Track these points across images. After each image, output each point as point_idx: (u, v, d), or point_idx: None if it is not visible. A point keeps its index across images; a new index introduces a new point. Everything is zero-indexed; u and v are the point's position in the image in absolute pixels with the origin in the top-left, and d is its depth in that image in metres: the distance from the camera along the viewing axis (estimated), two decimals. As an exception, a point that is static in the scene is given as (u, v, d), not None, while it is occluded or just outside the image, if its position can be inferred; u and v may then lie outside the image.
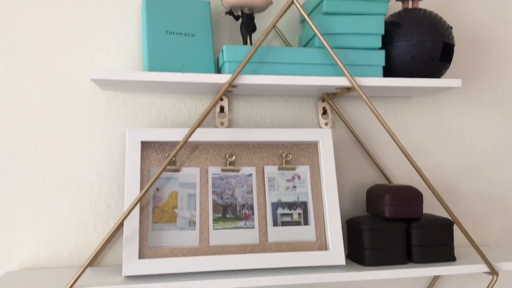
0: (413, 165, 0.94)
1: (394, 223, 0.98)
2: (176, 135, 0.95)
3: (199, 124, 0.87)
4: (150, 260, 0.88)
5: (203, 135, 0.96)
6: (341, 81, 0.94)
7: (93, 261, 0.99)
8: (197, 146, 0.98)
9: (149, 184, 0.85)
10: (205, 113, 0.87)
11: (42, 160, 0.98)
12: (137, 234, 0.89)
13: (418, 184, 1.15)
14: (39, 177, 0.98)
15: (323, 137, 1.01)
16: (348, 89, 0.98)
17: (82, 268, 0.81)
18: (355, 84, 0.93)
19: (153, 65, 0.92)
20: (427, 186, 0.99)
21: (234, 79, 0.88)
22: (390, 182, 1.13)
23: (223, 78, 0.89)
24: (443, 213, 1.17)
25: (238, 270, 0.92)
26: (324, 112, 1.11)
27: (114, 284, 0.82)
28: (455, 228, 1.17)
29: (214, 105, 0.87)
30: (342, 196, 1.12)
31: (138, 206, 0.90)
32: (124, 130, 1.01)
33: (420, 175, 0.95)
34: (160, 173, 0.86)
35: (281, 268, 0.93)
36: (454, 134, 1.19)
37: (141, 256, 0.90)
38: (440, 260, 0.99)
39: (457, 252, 1.10)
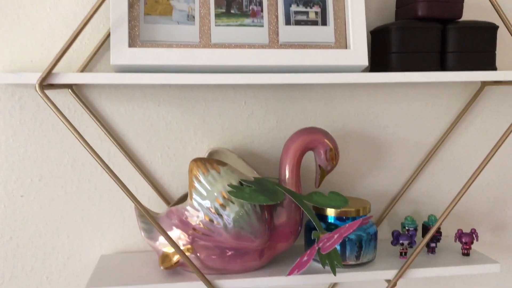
0: None
1: (427, 23, 0.83)
2: None
3: None
4: (143, 49, 0.76)
5: None
6: None
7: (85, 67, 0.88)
8: None
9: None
10: None
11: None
12: (126, 21, 0.76)
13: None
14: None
15: None
16: None
17: (57, 55, 0.70)
18: None
19: None
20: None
21: None
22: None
23: None
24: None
25: (244, 65, 0.79)
26: None
27: (100, 71, 0.72)
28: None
29: None
30: (367, 3, 0.96)
31: (126, -9, 0.76)
32: None
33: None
34: None
35: (295, 66, 0.81)
36: None
37: (132, 46, 0.78)
38: (478, 69, 0.85)
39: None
